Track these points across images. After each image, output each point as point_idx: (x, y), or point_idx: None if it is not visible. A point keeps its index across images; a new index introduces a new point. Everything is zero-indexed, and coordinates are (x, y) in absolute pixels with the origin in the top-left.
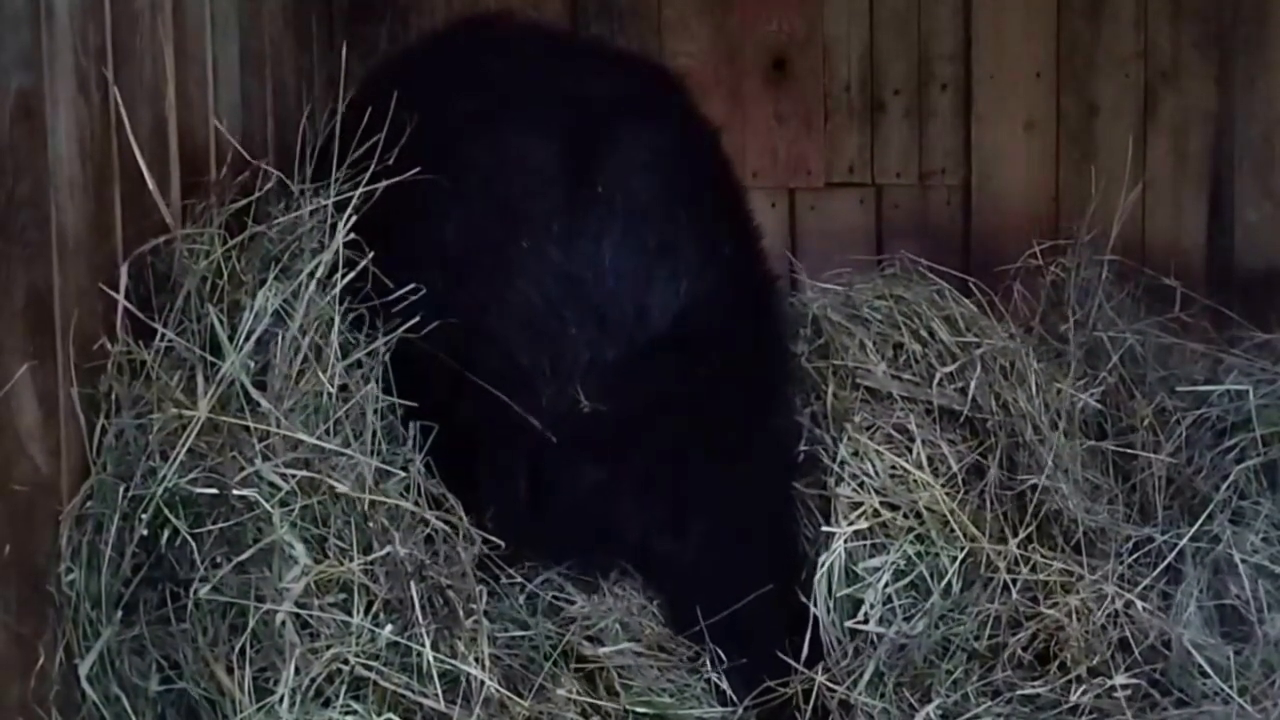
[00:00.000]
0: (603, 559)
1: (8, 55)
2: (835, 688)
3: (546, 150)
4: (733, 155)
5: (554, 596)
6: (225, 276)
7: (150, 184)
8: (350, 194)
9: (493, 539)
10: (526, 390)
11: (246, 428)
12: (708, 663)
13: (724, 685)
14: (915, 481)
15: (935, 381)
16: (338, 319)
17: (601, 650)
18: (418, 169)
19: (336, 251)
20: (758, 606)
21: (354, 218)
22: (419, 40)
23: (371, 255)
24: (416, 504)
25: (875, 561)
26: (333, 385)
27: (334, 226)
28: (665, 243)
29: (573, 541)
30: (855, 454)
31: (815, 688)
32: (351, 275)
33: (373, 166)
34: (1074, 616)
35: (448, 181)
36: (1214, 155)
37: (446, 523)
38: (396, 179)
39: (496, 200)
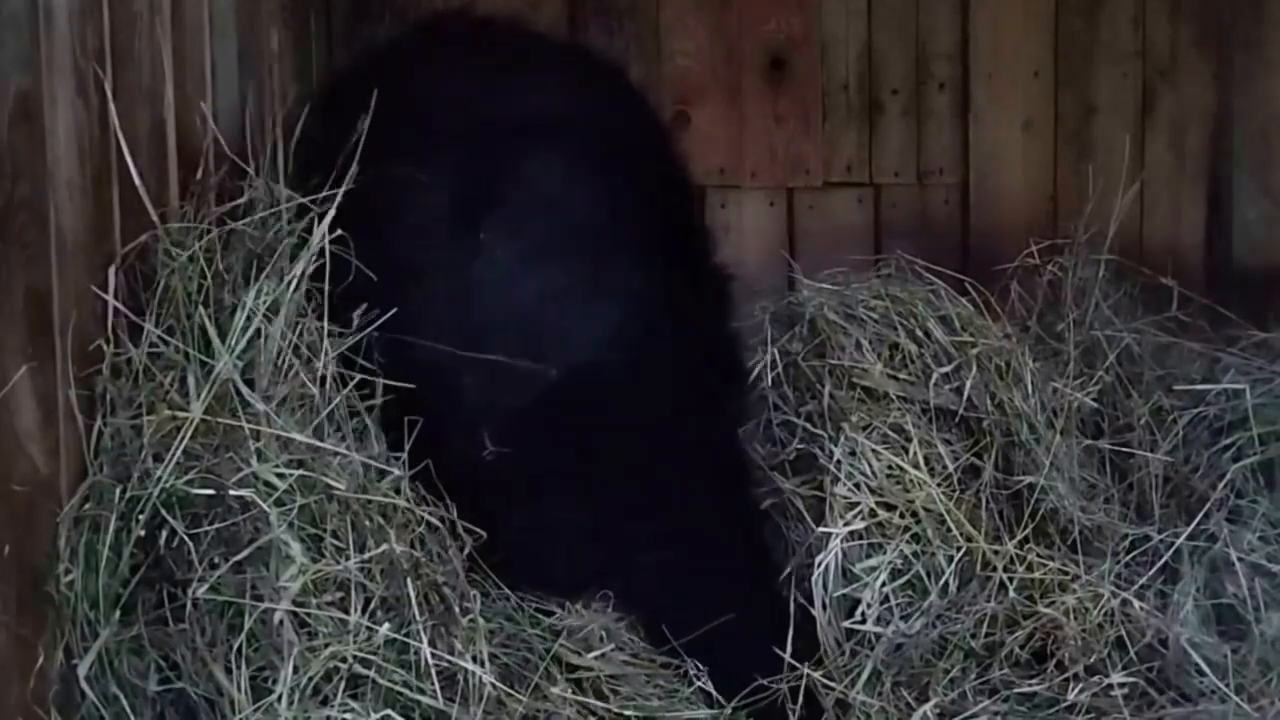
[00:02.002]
0: (562, 594)
1: (6, 57)
2: (832, 685)
3: (436, 197)
4: (731, 155)
5: (537, 608)
6: (210, 276)
7: (139, 184)
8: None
9: (480, 531)
10: (438, 438)
11: (241, 428)
12: (692, 669)
13: (710, 689)
14: (912, 481)
15: (931, 381)
16: (327, 319)
17: (589, 657)
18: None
19: (315, 250)
20: (728, 616)
21: (330, 217)
22: (362, 51)
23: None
24: (409, 502)
25: (872, 561)
26: (322, 384)
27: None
28: (556, 287)
29: (525, 583)
30: (852, 453)
31: (802, 686)
32: (312, 266)
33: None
34: (1071, 615)
35: (352, 227)
36: (1212, 153)
37: (439, 520)
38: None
39: (391, 252)
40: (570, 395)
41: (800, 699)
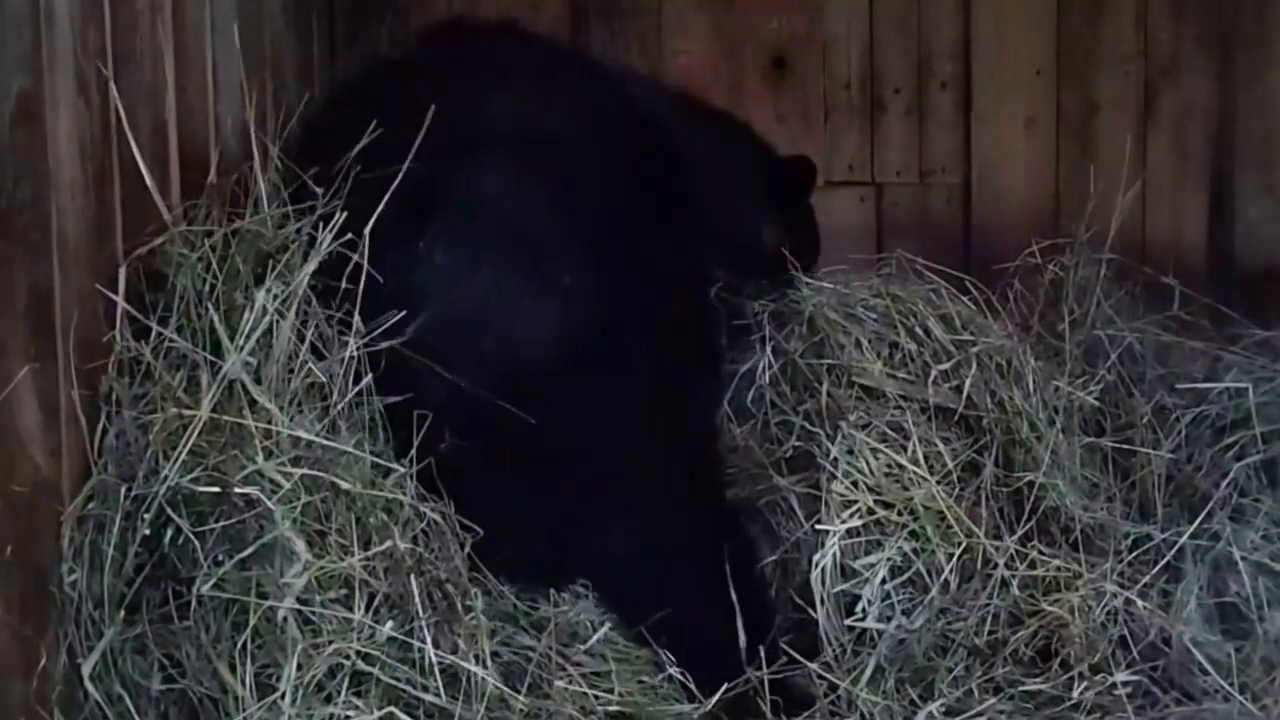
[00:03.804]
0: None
1: (8, 57)
2: (827, 678)
3: (386, 207)
4: None
5: (530, 605)
6: (221, 276)
7: (150, 183)
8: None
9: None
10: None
11: (247, 426)
12: (664, 657)
13: (689, 683)
14: (911, 478)
15: (930, 379)
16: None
17: (577, 652)
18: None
19: (323, 251)
20: (694, 608)
21: (341, 218)
22: (364, 66)
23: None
24: (414, 499)
25: (871, 558)
26: (330, 383)
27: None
28: (496, 288)
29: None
30: (850, 451)
31: (765, 671)
32: (314, 264)
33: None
34: (1075, 613)
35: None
36: (1214, 152)
37: (439, 516)
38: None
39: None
40: (529, 383)
41: (779, 688)
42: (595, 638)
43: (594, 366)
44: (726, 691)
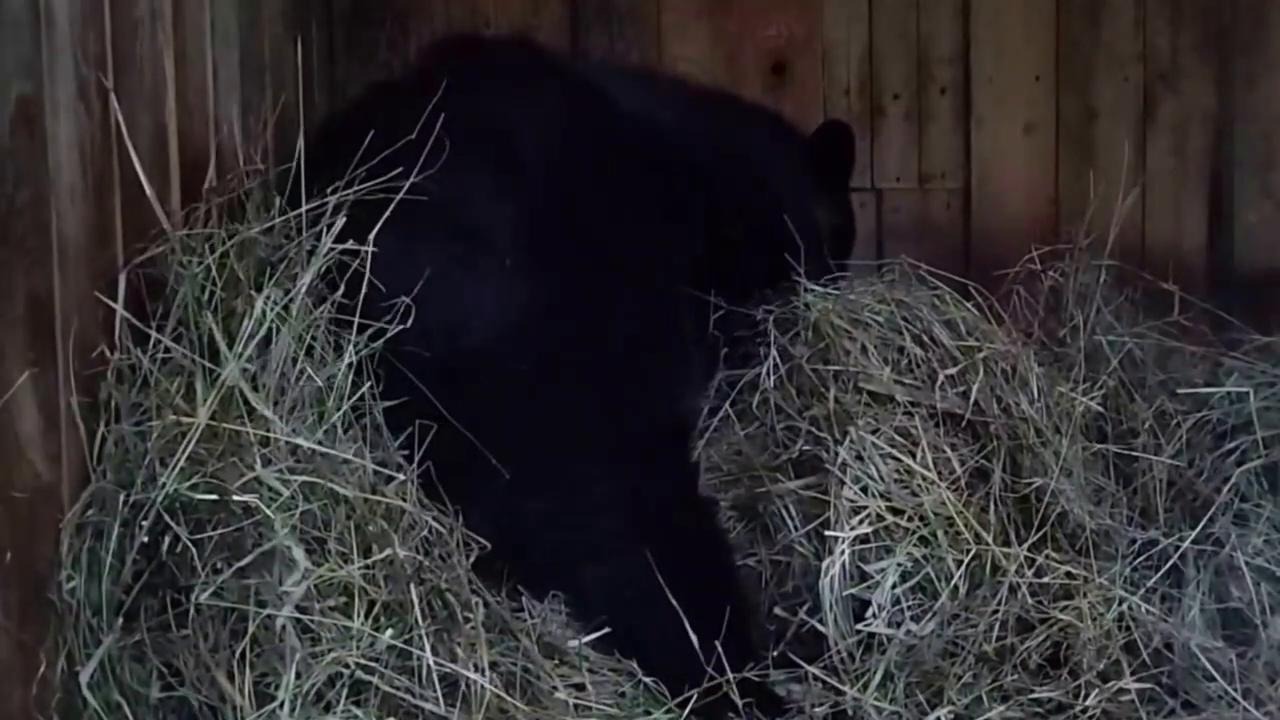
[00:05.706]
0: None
1: (8, 62)
2: (829, 681)
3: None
4: None
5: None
6: (220, 283)
7: (148, 190)
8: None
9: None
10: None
11: (246, 433)
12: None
13: (661, 690)
14: (920, 484)
15: (937, 385)
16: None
17: (555, 662)
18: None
19: (326, 257)
20: (648, 615)
21: (342, 222)
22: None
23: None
24: (415, 505)
25: (881, 564)
26: (329, 390)
27: (318, 235)
28: (437, 271)
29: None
30: (858, 457)
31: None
32: (313, 269)
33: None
34: (1085, 619)
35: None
36: (1213, 156)
37: (442, 526)
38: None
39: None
40: (469, 367)
41: (753, 689)
42: (574, 643)
43: (531, 351)
44: (700, 699)
